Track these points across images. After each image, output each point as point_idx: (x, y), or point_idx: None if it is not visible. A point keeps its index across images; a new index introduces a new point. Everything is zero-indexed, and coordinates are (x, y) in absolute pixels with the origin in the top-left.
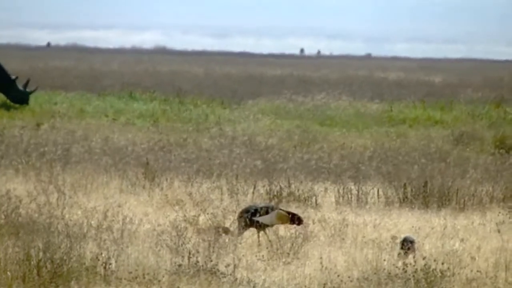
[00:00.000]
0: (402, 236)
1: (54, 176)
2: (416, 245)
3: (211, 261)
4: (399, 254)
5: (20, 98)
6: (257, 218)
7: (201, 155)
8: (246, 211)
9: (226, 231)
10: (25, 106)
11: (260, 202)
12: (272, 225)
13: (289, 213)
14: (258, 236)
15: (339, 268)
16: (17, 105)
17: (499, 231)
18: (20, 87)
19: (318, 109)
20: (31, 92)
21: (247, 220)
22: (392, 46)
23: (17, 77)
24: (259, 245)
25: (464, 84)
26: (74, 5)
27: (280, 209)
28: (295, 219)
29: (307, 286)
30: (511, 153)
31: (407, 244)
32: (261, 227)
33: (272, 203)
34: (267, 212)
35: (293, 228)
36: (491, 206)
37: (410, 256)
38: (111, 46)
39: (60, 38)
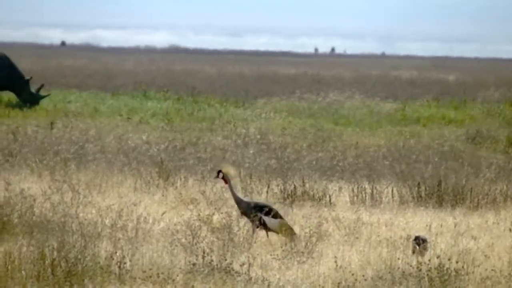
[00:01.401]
0: (414, 235)
1: (69, 175)
2: (428, 244)
3: (226, 260)
4: (413, 252)
5: (30, 100)
6: (265, 218)
7: (215, 154)
8: (260, 208)
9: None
10: (39, 105)
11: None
12: (272, 230)
13: (289, 228)
14: (267, 234)
15: (353, 267)
16: (25, 104)
17: (510, 230)
18: (33, 89)
19: (332, 108)
20: (43, 97)
21: (257, 217)
22: (406, 44)
23: (30, 78)
24: (271, 244)
25: (478, 83)
26: (88, 4)
27: (283, 219)
28: (289, 233)
29: (321, 285)
30: None
31: (418, 243)
32: (263, 226)
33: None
34: (276, 216)
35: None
36: (505, 205)
37: (421, 255)
38: (124, 45)
39: (74, 38)
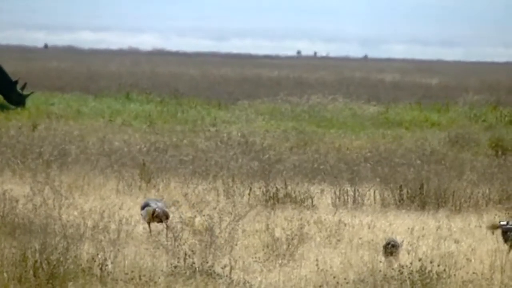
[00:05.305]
0: (386, 239)
1: (51, 176)
2: (400, 250)
3: (207, 262)
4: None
5: (18, 100)
6: (141, 212)
7: (197, 156)
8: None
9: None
10: (22, 107)
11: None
12: (148, 221)
13: (154, 211)
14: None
15: (335, 269)
16: (13, 106)
17: (493, 233)
18: (18, 89)
19: (315, 110)
20: (27, 95)
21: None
22: (389, 48)
23: (18, 80)
24: (253, 246)
25: (461, 86)
26: (72, 6)
27: (150, 206)
28: (157, 216)
29: None
30: (507, 155)
31: (390, 248)
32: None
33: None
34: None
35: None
36: (487, 208)
37: (393, 260)
38: (108, 47)
39: (58, 40)
